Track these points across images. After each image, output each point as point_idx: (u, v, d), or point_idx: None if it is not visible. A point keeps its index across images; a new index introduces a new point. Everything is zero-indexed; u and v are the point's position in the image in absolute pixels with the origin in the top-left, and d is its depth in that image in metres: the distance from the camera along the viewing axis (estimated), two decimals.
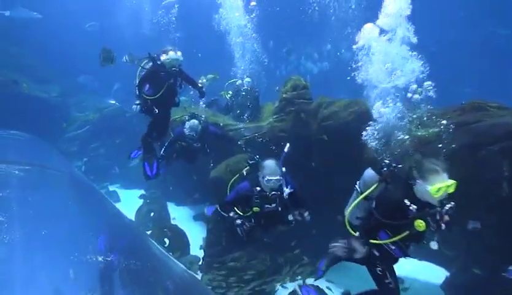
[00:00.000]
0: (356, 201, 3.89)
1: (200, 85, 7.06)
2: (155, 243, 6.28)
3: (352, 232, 3.89)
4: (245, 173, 5.12)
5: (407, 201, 3.37)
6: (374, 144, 4.87)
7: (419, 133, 4.98)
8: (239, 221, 4.61)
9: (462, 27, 17.58)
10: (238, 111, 9.02)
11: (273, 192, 4.38)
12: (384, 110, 4.88)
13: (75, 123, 13.42)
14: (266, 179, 4.33)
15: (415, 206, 3.34)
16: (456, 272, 5.89)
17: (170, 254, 7.42)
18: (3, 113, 10.68)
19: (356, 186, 4.04)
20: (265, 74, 12.21)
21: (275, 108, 7.85)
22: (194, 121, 7.50)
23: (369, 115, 5.87)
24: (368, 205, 3.85)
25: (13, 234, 2.35)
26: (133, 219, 9.30)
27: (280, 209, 4.53)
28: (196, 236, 8.23)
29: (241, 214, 4.70)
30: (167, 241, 7.68)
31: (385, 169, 3.79)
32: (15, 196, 2.91)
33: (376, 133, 4.93)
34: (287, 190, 4.41)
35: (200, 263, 7.24)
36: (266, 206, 4.49)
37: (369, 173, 3.94)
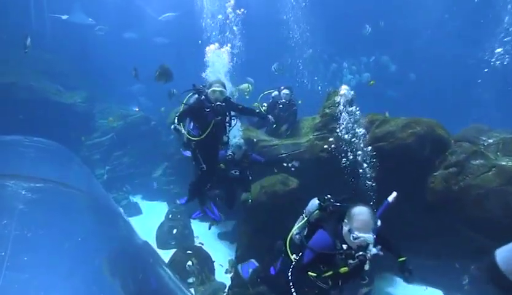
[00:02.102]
0: None
1: (257, 111, 6.22)
2: (168, 271, 5.66)
3: None
4: (312, 219, 3.94)
5: None
6: None
7: (503, 163, 4.07)
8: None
9: None
10: (274, 126, 8.29)
11: (361, 253, 3.33)
12: None
13: (99, 130, 13.09)
14: (355, 235, 3.32)
15: None
16: None
17: (193, 279, 6.82)
18: (30, 119, 10.43)
19: None
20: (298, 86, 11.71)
21: (315, 124, 7.11)
22: (241, 142, 6.76)
23: (434, 137, 5.07)
24: None
25: None
26: (154, 235, 8.73)
27: (365, 266, 3.41)
28: (221, 258, 7.74)
29: (315, 275, 3.56)
30: (190, 263, 7.05)
31: None
32: (9, 234, 2.33)
33: None
34: (373, 250, 3.34)
35: (226, 290, 6.66)
36: (350, 261, 3.41)
37: None
